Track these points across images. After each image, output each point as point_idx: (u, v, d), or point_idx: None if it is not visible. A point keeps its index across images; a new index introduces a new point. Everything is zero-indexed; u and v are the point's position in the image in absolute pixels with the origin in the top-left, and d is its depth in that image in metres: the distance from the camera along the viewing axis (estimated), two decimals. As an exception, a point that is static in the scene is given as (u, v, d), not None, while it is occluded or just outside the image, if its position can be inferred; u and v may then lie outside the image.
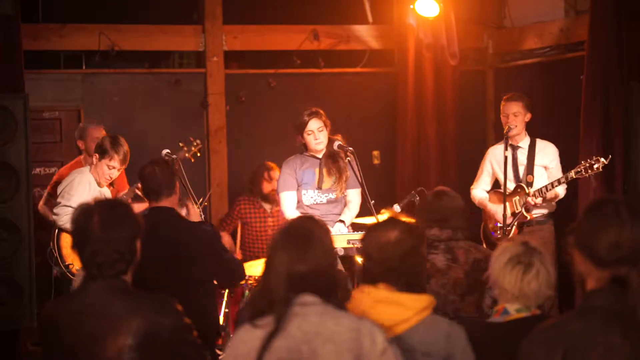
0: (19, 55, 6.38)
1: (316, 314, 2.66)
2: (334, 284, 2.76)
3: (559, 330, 2.48)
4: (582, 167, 6.06)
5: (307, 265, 2.69)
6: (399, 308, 3.01)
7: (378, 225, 3.24)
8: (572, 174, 6.13)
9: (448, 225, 4.35)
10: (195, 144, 6.65)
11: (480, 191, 6.69)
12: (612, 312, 2.44)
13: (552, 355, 2.42)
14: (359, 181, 5.77)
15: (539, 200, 6.27)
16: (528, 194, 6.29)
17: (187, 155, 6.51)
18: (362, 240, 3.20)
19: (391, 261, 3.05)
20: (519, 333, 3.12)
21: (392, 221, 3.21)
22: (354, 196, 5.95)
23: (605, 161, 6.00)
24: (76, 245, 3.02)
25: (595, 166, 6.01)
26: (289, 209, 5.82)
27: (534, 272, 3.18)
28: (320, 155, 5.89)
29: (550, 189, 6.25)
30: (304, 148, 5.92)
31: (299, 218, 3.02)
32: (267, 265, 2.77)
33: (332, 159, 5.87)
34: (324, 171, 5.85)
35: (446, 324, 3.12)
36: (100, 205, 3.04)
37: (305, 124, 5.79)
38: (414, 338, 3.00)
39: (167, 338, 2.90)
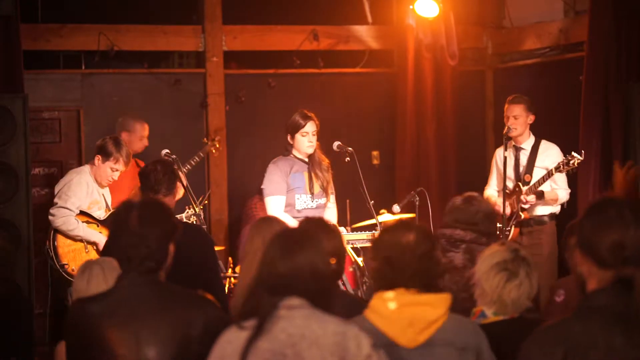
0: (18, 56, 6.39)
1: (302, 317, 2.65)
2: (322, 287, 2.73)
3: (559, 331, 2.46)
4: (561, 163, 6.17)
5: (287, 267, 2.67)
6: (429, 308, 3.01)
7: (392, 227, 3.21)
8: (552, 170, 6.23)
9: (475, 229, 4.38)
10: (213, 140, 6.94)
11: (490, 190, 6.83)
12: (613, 313, 2.42)
13: (552, 356, 2.41)
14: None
15: (531, 197, 6.31)
16: (521, 192, 6.35)
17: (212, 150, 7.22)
18: (377, 242, 3.17)
19: (411, 263, 3.03)
20: (496, 336, 3.14)
21: (406, 224, 3.20)
22: (333, 202, 6.02)
23: (579, 157, 6.10)
24: (111, 238, 3.08)
25: (571, 162, 6.13)
26: (278, 213, 5.71)
27: (517, 282, 3.19)
28: (306, 159, 5.87)
29: (538, 186, 6.29)
30: (290, 149, 5.89)
31: (304, 220, 3.00)
32: (259, 265, 2.77)
33: (319, 166, 5.87)
34: (313, 176, 5.84)
35: (469, 320, 3.15)
36: (142, 202, 3.11)
37: (302, 125, 5.78)
38: (448, 334, 3.01)
39: (206, 332, 2.89)
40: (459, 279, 4.26)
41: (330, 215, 5.97)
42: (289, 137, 5.84)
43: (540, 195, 6.35)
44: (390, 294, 3.02)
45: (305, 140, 5.80)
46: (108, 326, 2.89)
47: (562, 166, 6.16)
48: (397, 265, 3.04)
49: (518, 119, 6.48)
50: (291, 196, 5.79)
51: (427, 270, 3.06)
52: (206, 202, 5.74)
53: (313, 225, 3.36)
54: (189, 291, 3.04)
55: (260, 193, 7.46)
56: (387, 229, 3.24)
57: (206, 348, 2.83)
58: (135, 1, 8.46)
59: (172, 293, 3.00)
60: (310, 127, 5.80)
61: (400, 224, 3.21)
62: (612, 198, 2.56)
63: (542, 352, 2.44)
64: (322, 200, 5.88)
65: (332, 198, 5.99)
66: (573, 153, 6.13)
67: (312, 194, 5.83)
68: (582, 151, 6.19)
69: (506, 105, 6.60)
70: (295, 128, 5.80)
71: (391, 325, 2.95)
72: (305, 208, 5.80)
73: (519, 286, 3.18)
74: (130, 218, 2.99)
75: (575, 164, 6.12)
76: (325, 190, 5.87)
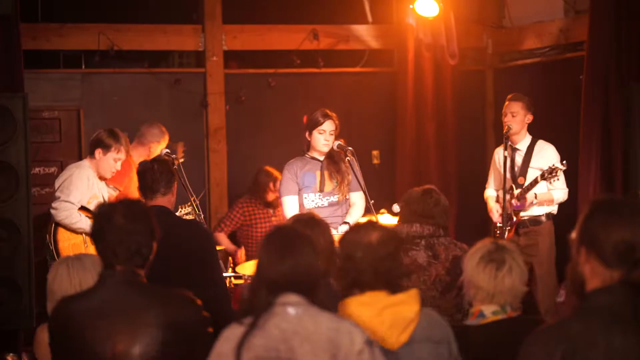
0: (18, 55, 6.38)
1: (296, 313, 2.70)
2: (316, 284, 2.78)
3: (559, 331, 2.44)
4: (545, 171, 6.18)
5: (284, 267, 2.72)
6: (406, 306, 3.04)
7: (358, 227, 3.26)
8: (538, 177, 6.24)
9: (431, 222, 4.37)
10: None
11: (490, 190, 6.80)
12: (614, 313, 2.39)
13: (552, 356, 2.39)
14: (359, 183, 5.79)
15: (520, 202, 6.30)
16: (513, 195, 6.33)
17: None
18: (342, 240, 3.20)
19: (374, 263, 3.06)
20: (495, 336, 3.15)
21: (371, 224, 3.23)
22: (358, 199, 5.92)
23: (562, 167, 6.13)
24: (95, 235, 3.06)
25: (553, 172, 6.14)
26: (292, 213, 5.76)
27: (506, 268, 3.20)
28: (321, 158, 5.89)
29: (527, 191, 6.27)
30: (307, 148, 5.91)
31: (291, 219, 3.02)
32: (257, 264, 2.82)
33: (333, 162, 5.87)
34: (326, 174, 5.85)
35: (435, 312, 3.21)
36: (123, 201, 3.15)
37: (320, 122, 5.81)
38: (424, 330, 3.05)
39: (186, 332, 2.91)
40: (426, 277, 4.27)
41: (354, 211, 5.90)
42: (307, 134, 5.87)
43: (527, 199, 6.32)
44: (365, 299, 3.03)
45: (322, 138, 5.81)
46: (91, 324, 2.90)
47: (546, 174, 6.17)
48: (359, 264, 3.06)
49: (516, 116, 6.46)
50: (300, 196, 5.83)
51: (390, 271, 3.08)
52: (197, 201, 5.73)
53: (303, 225, 3.40)
54: (171, 290, 3.05)
55: (250, 196, 7.48)
56: (354, 228, 3.28)
57: (188, 347, 2.85)
58: (135, 0, 8.47)
59: (154, 292, 3.01)
60: (328, 126, 5.81)
61: (366, 224, 3.24)
62: (620, 197, 2.51)
63: (542, 352, 2.42)
64: (335, 198, 5.84)
65: (356, 195, 5.90)
66: (555, 164, 6.15)
67: (321, 191, 5.82)
68: (565, 162, 6.19)
69: (506, 103, 6.60)
70: (314, 125, 5.83)
71: (374, 330, 2.96)
72: (315, 207, 5.77)
73: (510, 272, 3.20)
74: (115, 214, 3.02)
75: (557, 173, 6.14)
76: (341, 189, 5.84)
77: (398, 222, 4.58)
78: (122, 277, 2.98)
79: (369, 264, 3.05)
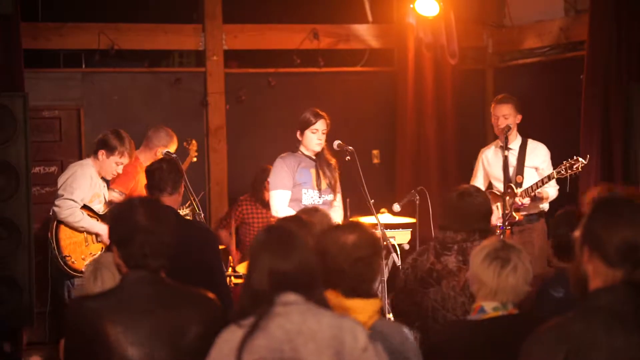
0: (18, 54, 6.38)
1: (298, 313, 2.68)
2: (316, 281, 2.77)
3: (561, 331, 2.42)
4: (562, 167, 6.09)
5: (291, 264, 2.71)
6: (354, 313, 3.01)
7: (339, 226, 3.27)
8: (554, 173, 6.17)
9: (464, 227, 4.28)
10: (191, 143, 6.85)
11: None
12: (616, 312, 2.38)
13: (554, 356, 2.38)
14: (361, 183, 5.82)
15: (526, 200, 6.29)
16: (515, 195, 6.31)
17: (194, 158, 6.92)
18: (320, 236, 3.21)
19: (344, 265, 3.06)
20: (494, 332, 3.15)
21: (353, 225, 3.23)
22: (339, 201, 6.03)
23: (584, 161, 6.02)
24: (121, 238, 3.03)
25: (575, 166, 6.04)
26: (281, 207, 5.79)
27: (511, 266, 3.21)
28: (314, 157, 5.91)
29: (535, 189, 6.25)
30: (298, 146, 5.92)
31: (284, 218, 3.01)
32: (251, 265, 2.79)
33: (327, 165, 5.91)
34: (320, 173, 5.88)
35: (397, 326, 3.17)
36: (141, 200, 3.12)
37: (312, 122, 5.83)
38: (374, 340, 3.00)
39: (214, 330, 2.90)
40: (455, 283, 4.21)
41: (336, 214, 5.98)
42: (298, 134, 5.90)
43: (534, 198, 6.32)
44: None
45: (315, 138, 5.84)
46: (108, 323, 2.89)
47: (564, 170, 6.08)
48: (329, 262, 3.07)
49: (508, 118, 6.47)
50: (298, 191, 5.83)
51: (360, 275, 3.09)
52: (196, 201, 5.75)
53: (294, 224, 3.41)
54: (191, 289, 3.07)
55: (250, 195, 7.48)
56: (336, 226, 3.30)
57: (206, 345, 2.84)
58: (136, 0, 8.46)
59: (174, 291, 3.02)
60: (321, 126, 5.84)
61: (348, 224, 3.25)
62: (623, 196, 2.49)
63: (544, 352, 2.41)
64: (330, 197, 5.91)
65: (339, 197, 6.02)
66: (577, 157, 6.04)
67: (319, 189, 5.86)
68: (588, 155, 6.13)
69: (493, 105, 6.59)
70: (306, 125, 5.85)
71: None
72: (312, 204, 5.79)
73: (514, 270, 3.20)
74: (139, 215, 3.00)
75: (579, 168, 6.03)
76: (332, 188, 5.90)
77: (436, 224, 4.53)
78: (145, 277, 2.98)
79: (338, 264, 3.07)
